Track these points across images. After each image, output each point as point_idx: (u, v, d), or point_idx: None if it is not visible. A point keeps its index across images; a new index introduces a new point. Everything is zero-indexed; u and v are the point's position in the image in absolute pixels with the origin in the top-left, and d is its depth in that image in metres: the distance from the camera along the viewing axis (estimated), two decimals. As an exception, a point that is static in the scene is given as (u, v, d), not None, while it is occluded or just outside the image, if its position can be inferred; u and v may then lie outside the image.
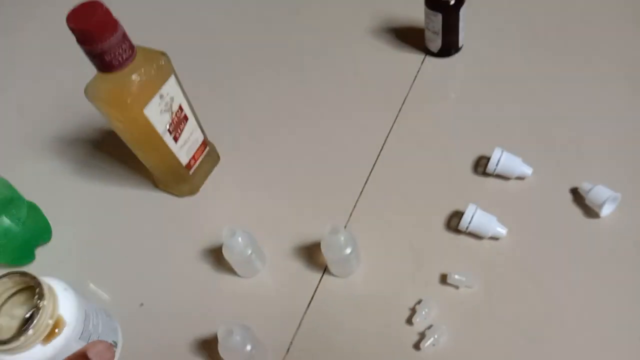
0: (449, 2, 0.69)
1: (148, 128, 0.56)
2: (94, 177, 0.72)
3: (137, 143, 0.59)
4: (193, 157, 0.64)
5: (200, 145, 0.65)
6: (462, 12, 0.70)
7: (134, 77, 0.52)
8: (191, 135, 0.62)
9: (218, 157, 0.70)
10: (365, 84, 0.76)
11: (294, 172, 0.68)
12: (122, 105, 0.52)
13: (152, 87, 0.54)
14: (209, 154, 0.67)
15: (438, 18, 0.70)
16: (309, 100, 0.75)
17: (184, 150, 0.62)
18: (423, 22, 0.74)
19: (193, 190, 0.67)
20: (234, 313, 0.58)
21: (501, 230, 0.58)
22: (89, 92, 0.53)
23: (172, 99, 0.57)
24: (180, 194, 0.67)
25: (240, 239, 0.55)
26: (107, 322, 0.47)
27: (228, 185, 0.68)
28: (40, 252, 0.66)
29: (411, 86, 0.74)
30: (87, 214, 0.69)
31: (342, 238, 0.54)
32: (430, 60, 0.77)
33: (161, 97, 0.55)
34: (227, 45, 0.85)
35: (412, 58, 0.77)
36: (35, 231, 0.64)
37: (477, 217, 0.57)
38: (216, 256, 0.61)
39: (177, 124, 0.59)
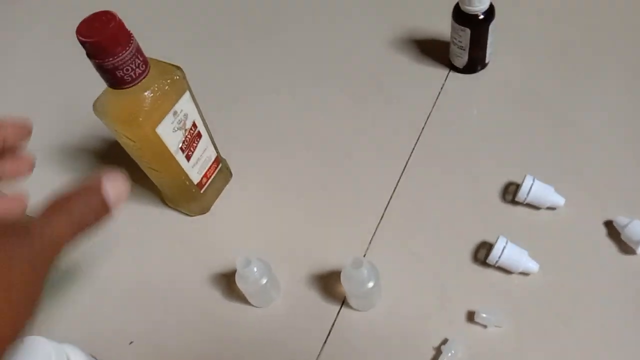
0: (478, 16, 0.65)
1: (160, 147, 0.52)
2: (98, 190, 0.68)
3: (147, 161, 0.55)
4: (205, 175, 0.61)
5: (213, 163, 0.61)
6: (492, 27, 0.67)
7: (147, 93, 0.48)
8: (204, 153, 0.59)
9: (230, 174, 0.66)
10: (386, 100, 0.72)
11: (310, 193, 0.64)
12: (134, 123, 0.48)
13: (165, 104, 0.50)
14: (221, 170, 0.64)
15: (466, 33, 0.67)
16: (326, 117, 0.72)
17: (196, 168, 0.58)
18: (447, 35, 0.71)
19: (204, 209, 0.64)
20: (246, 345, 0.54)
21: (533, 266, 0.54)
22: (98, 108, 0.49)
23: (185, 115, 0.53)
24: (190, 213, 0.64)
25: (255, 268, 0.52)
26: None
27: (240, 204, 0.65)
28: (40, 270, 0.62)
29: (434, 103, 0.70)
30: (90, 230, 0.65)
31: (365, 272, 0.50)
32: (455, 76, 0.73)
33: (175, 114, 0.52)
34: (242, 57, 0.81)
35: (435, 73, 0.74)
36: (35, 248, 0.60)
37: (507, 251, 0.54)
38: (227, 281, 0.58)
39: (190, 142, 0.55)
